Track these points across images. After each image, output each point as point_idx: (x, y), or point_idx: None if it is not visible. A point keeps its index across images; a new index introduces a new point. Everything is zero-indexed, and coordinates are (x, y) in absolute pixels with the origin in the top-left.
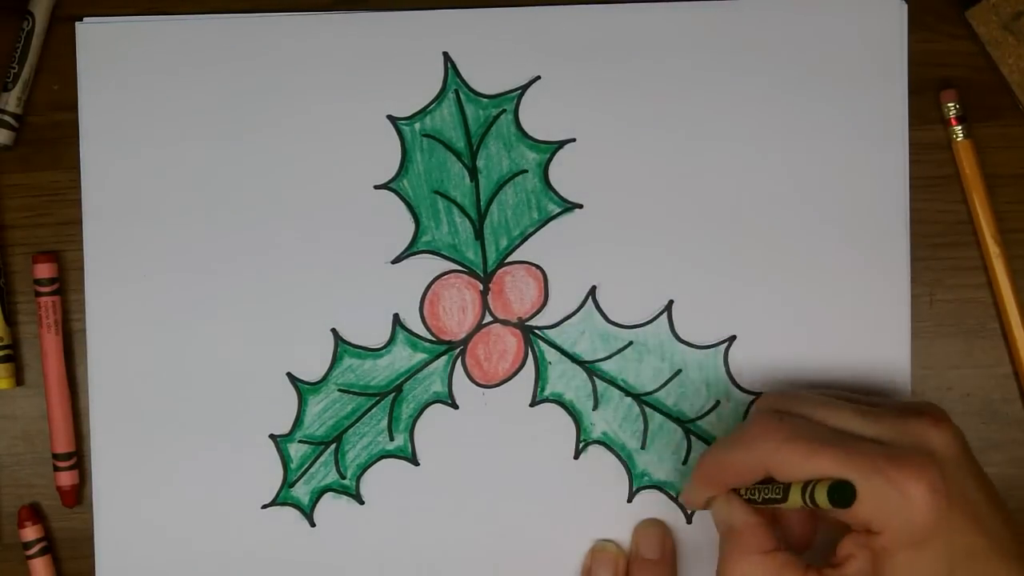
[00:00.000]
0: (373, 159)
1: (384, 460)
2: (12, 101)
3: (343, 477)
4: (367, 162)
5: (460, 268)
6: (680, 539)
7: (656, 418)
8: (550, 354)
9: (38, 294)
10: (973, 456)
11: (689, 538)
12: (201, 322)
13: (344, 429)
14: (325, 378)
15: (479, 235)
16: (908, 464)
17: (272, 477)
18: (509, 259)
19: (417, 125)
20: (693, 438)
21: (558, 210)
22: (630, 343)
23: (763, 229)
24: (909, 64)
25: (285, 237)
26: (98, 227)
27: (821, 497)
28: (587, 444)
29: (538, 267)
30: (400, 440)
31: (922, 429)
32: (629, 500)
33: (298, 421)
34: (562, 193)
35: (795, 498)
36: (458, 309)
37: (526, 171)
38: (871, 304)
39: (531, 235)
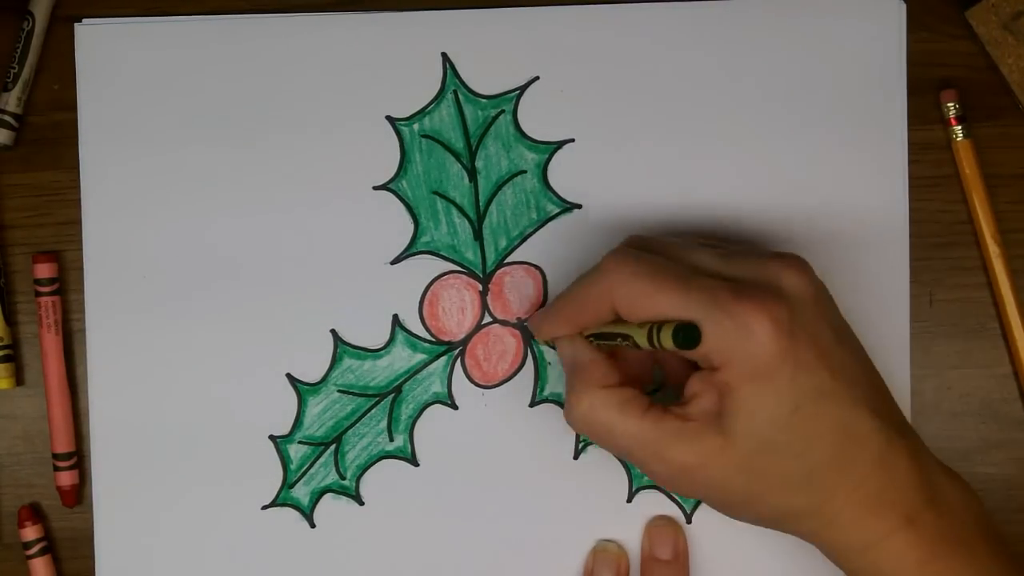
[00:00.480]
0: (372, 160)
1: (384, 461)
2: (12, 101)
3: (343, 478)
4: (366, 163)
5: (459, 269)
6: None
7: None
8: (549, 354)
9: (38, 294)
10: (832, 303)
11: (689, 538)
12: (201, 322)
13: (344, 430)
14: (325, 379)
15: (478, 235)
16: (751, 298)
17: (272, 478)
18: (508, 259)
19: (416, 126)
20: None
21: (557, 210)
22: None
23: (762, 229)
24: (909, 64)
25: (284, 238)
26: (98, 227)
27: (667, 339)
28: (587, 444)
29: (537, 267)
30: (400, 441)
31: (776, 270)
32: (629, 500)
33: (298, 422)
34: (561, 193)
35: (641, 340)
36: (457, 310)
37: (525, 171)
38: (871, 304)
39: (530, 235)
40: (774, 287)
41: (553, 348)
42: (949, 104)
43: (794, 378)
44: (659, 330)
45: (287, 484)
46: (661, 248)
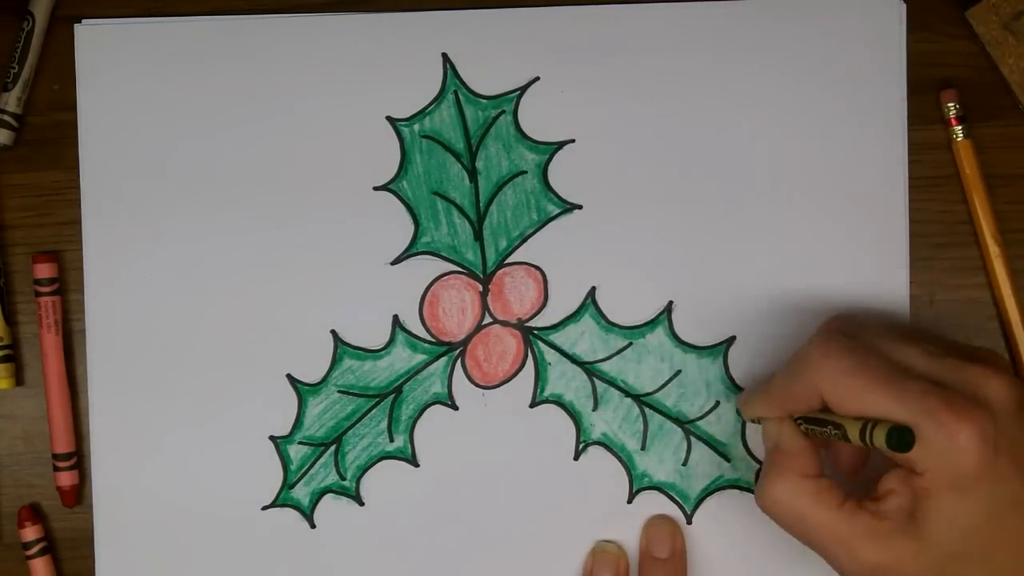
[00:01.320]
0: (372, 160)
1: (384, 461)
2: (12, 101)
3: (343, 478)
4: (366, 163)
5: (459, 269)
6: None
7: (656, 419)
8: (550, 355)
9: (38, 294)
10: None
11: (689, 538)
12: (201, 323)
13: (344, 430)
14: (325, 379)
15: (478, 236)
16: (961, 409)
17: (272, 478)
18: (508, 260)
19: (416, 126)
20: (693, 439)
21: (557, 211)
22: (630, 344)
23: (762, 229)
24: (909, 64)
25: (284, 238)
26: (98, 227)
27: (879, 439)
28: (587, 445)
29: (537, 268)
30: (400, 441)
31: (982, 376)
32: (629, 501)
33: (298, 422)
34: (561, 194)
35: (853, 435)
36: (458, 310)
37: (525, 172)
38: (871, 304)
39: (530, 236)
40: (981, 396)
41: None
42: (949, 104)
43: (993, 491)
44: (872, 428)
45: (287, 484)
46: (866, 336)
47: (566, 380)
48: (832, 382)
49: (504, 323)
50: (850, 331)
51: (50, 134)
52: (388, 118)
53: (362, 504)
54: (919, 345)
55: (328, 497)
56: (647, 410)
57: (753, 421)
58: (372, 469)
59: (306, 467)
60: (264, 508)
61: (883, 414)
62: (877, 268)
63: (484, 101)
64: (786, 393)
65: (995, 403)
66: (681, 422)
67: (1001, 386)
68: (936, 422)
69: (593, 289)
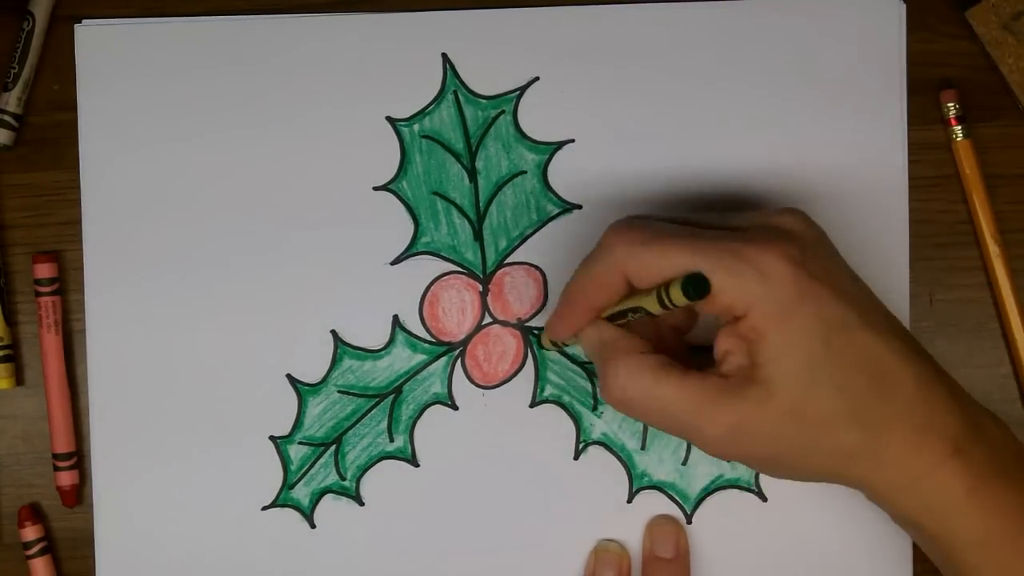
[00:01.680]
0: (372, 160)
1: (384, 461)
2: (12, 101)
3: (343, 478)
4: (366, 163)
5: (459, 269)
6: None
7: None
8: (549, 355)
9: (38, 294)
10: (832, 244)
11: (689, 538)
12: (201, 323)
13: (344, 430)
14: (325, 379)
15: (478, 236)
16: (762, 241)
17: (272, 479)
18: (508, 260)
19: (416, 126)
20: None
21: (557, 211)
22: None
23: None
24: (909, 64)
25: (284, 238)
26: (98, 227)
27: (676, 294)
28: (587, 445)
29: (537, 268)
30: (400, 441)
31: (776, 216)
32: (629, 501)
33: (298, 423)
34: (561, 194)
35: (652, 305)
36: (457, 310)
37: (525, 172)
38: None
39: (530, 236)
40: (778, 229)
41: (566, 350)
42: (949, 104)
43: (819, 313)
44: (667, 289)
45: (287, 485)
46: (659, 218)
47: (566, 380)
48: (632, 256)
49: (504, 323)
50: (643, 218)
51: (50, 134)
52: (388, 118)
53: (362, 504)
54: (711, 213)
55: (328, 497)
56: None
57: (563, 347)
58: (372, 469)
59: (306, 467)
60: (264, 508)
61: (686, 269)
62: (877, 268)
63: (484, 101)
64: (591, 289)
65: (796, 232)
66: None
67: (798, 220)
68: (739, 258)
69: None
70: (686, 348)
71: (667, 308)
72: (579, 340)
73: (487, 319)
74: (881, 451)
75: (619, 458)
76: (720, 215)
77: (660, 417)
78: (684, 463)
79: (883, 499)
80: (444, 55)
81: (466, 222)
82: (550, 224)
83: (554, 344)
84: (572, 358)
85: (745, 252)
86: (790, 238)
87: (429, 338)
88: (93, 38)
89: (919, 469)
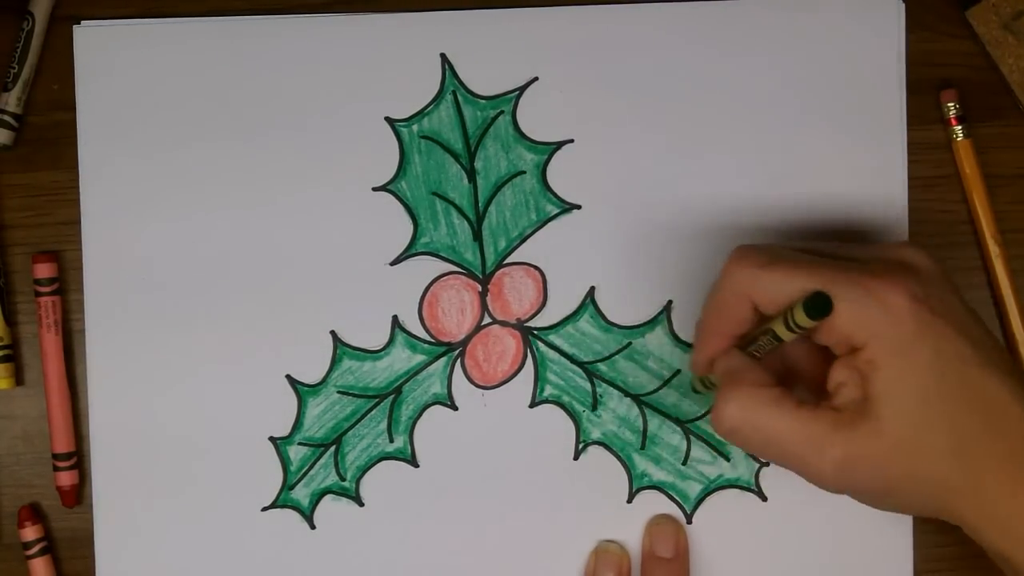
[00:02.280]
0: (371, 161)
1: (384, 462)
2: (12, 101)
3: (343, 479)
4: (365, 164)
5: (459, 269)
6: None
7: (655, 418)
8: (549, 355)
9: (38, 294)
10: (952, 279)
11: (689, 538)
12: (200, 323)
13: (344, 431)
14: (324, 380)
15: (477, 236)
16: (886, 274)
17: (272, 479)
18: (508, 260)
19: (415, 127)
20: (693, 438)
21: (556, 211)
22: (629, 343)
23: (762, 229)
24: (909, 64)
25: (284, 239)
26: (98, 227)
27: (800, 315)
28: (586, 445)
29: (537, 268)
30: (400, 442)
31: (899, 250)
32: (629, 501)
33: (298, 423)
34: (560, 194)
35: (781, 329)
36: (457, 310)
37: (524, 172)
38: None
39: (529, 236)
40: (901, 263)
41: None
42: (949, 104)
43: (937, 349)
44: (792, 310)
45: (287, 485)
46: (777, 245)
47: (565, 380)
48: (754, 280)
49: (503, 323)
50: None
51: (50, 134)
52: (387, 119)
53: (362, 505)
54: (830, 243)
55: (328, 498)
56: (647, 410)
57: (708, 384)
58: (372, 470)
59: (306, 468)
60: (264, 509)
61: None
62: None
63: (483, 101)
64: (720, 317)
65: (918, 267)
66: (681, 421)
67: (920, 255)
68: (862, 288)
69: (592, 289)
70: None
71: (793, 331)
72: (715, 372)
73: (487, 319)
74: (982, 488)
75: (619, 458)
76: (838, 245)
77: (770, 449)
78: (684, 463)
79: (980, 535)
80: (443, 55)
81: (465, 222)
82: (549, 224)
83: (703, 384)
84: (572, 358)
85: (869, 283)
86: (913, 273)
87: (429, 338)
88: (92, 38)
89: (1018, 508)
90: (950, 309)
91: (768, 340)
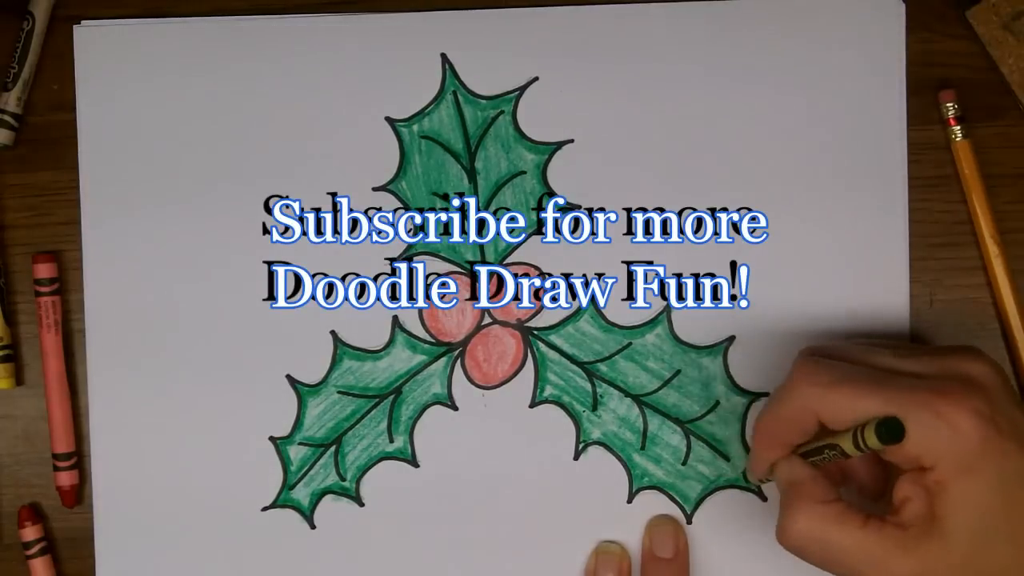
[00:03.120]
0: (372, 161)
1: (384, 462)
2: (12, 101)
3: (343, 479)
4: (366, 164)
5: (459, 269)
6: None
7: (656, 419)
8: (549, 355)
9: (38, 294)
10: (1013, 386)
11: (689, 538)
12: (200, 323)
13: (344, 431)
14: (324, 380)
15: (478, 236)
16: (952, 394)
17: (272, 479)
18: (508, 260)
19: (415, 127)
20: (693, 438)
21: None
22: (629, 344)
23: (762, 229)
24: (908, 64)
25: (284, 239)
26: (98, 227)
27: (871, 437)
28: (587, 445)
29: (537, 268)
30: (400, 442)
31: (961, 362)
32: (629, 501)
33: (298, 423)
34: (560, 194)
35: (847, 445)
36: (457, 310)
37: (524, 172)
38: (871, 304)
39: (530, 236)
40: (966, 379)
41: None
42: (948, 104)
43: (1001, 466)
44: (863, 431)
45: (287, 485)
46: (839, 353)
47: (566, 380)
48: (821, 398)
49: (504, 323)
50: (825, 352)
51: (50, 134)
52: (387, 119)
53: (362, 505)
54: (891, 351)
55: (328, 498)
56: (647, 410)
57: (764, 480)
58: (372, 470)
59: (306, 468)
60: (264, 509)
61: (877, 415)
62: (877, 268)
63: (483, 101)
64: (784, 427)
65: (983, 383)
66: (681, 422)
67: (984, 367)
68: (931, 411)
69: (593, 289)
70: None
71: (861, 450)
72: (775, 475)
73: (487, 319)
74: None
75: (619, 458)
76: (897, 350)
77: (836, 566)
78: (684, 463)
79: None
80: (443, 55)
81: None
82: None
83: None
84: (572, 358)
85: (936, 405)
86: (979, 390)
87: (429, 339)
88: (92, 38)
89: None
90: (1014, 423)
91: (834, 454)
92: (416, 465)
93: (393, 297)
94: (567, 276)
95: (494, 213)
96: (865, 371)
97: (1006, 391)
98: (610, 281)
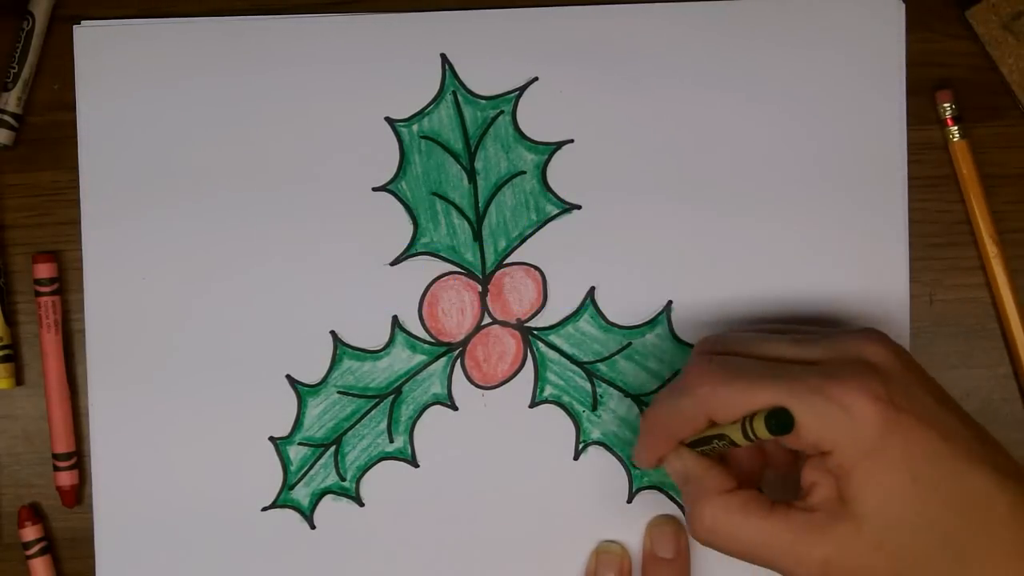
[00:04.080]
0: (371, 161)
1: (384, 462)
2: (12, 101)
3: (343, 479)
4: (365, 164)
5: (459, 270)
6: None
7: None
8: (549, 355)
9: (38, 294)
10: (918, 366)
11: (689, 538)
12: (200, 323)
13: (344, 431)
14: (324, 380)
15: (477, 236)
16: (844, 378)
17: (272, 479)
18: (508, 260)
19: (415, 127)
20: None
21: (556, 211)
22: (629, 344)
23: (762, 229)
24: (908, 64)
25: (284, 239)
26: (98, 227)
27: (760, 429)
28: (587, 445)
29: (537, 268)
30: (400, 442)
31: (857, 346)
32: (629, 501)
33: (298, 423)
34: (560, 194)
35: (737, 437)
36: (457, 311)
37: (524, 172)
38: (871, 304)
39: (530, 236)
40: (860, 362)
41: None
42: (945, 104)
43: (905, 447)
44: (751, 422)
45: (287, 485)
46: (735, 346)
47: (565, 380)
48: (714, 397)
49: (503, 323)
50: (719, 347)
51: (50, 134)
52: (387, 119)
53: (362, 505)
54: (788, 339)
55: (328, 498)
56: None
57: (650, 467)
58: (372, 470)
59: (306, 468)
60: (264, 509)
61: (769, 406)
62: (877, 268)
63: (483, 101)
64: (673, 425)
65: (879, 365)
66: None
67: (880, 349)
68: (823, 396)
69: (592, 289)
70: (761, 471)
71: (751, 440)
72: (664, 466)
73: (487, 319)
74: None
75: (619, 458)
76: (793, 337)
77: (749, 554)
78: None
79: None
80: (443, 55)
81: (465, 222)
82: (549, 224)
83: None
84: (572, 358)
85: (828, 390)
86: (874, 372)
87: (429, 339)
88: (92, 39)
89: None
90: (917, 403)
91: (723, 445)
92: (416, 465)
93: (393, 297)
94: (567, 276)
95: (494, 213)
96: (757, 364)
97: (907, 371)
98: (610, 281)
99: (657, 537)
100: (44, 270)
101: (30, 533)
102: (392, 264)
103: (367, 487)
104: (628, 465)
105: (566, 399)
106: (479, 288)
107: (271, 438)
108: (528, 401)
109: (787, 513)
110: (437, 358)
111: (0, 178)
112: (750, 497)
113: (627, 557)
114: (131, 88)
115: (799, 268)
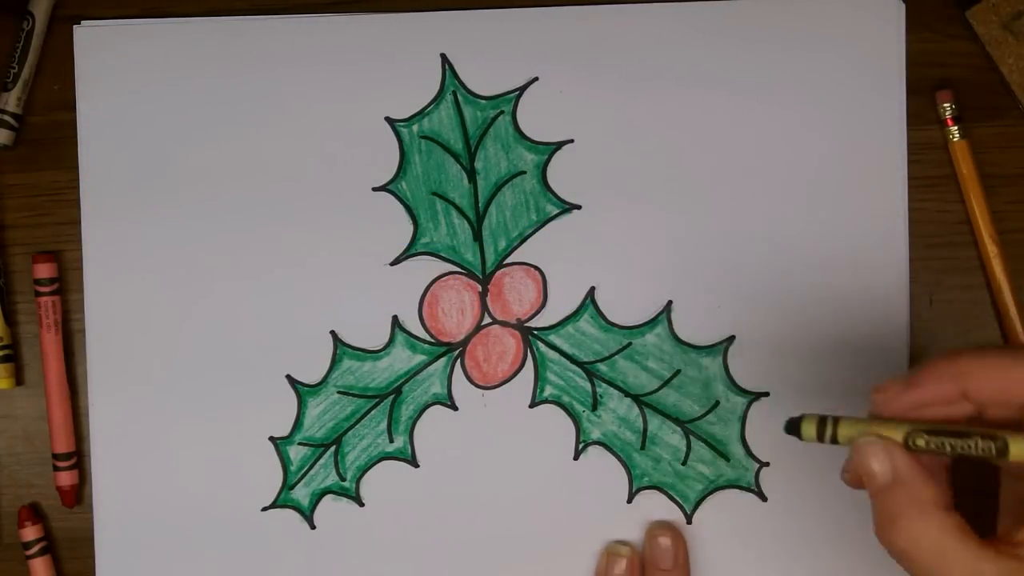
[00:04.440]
0: (371, 161)
1: (384, 462)
2: (12, 101)
3: (343, 479)
4: (365, 164)
5: (459, 270)
6: None
7: (655, 419)
8: (549, 355)
9: (38, 294)
10: None
11: (689, 538)
12: (200, 323)
13: (344, 431)
14: (324, 380)
15: (478, 236)
16: None
17: (272, 479)
18: (508, 260)
19: (415, 127)
20: (692, 438)
21: (556, 211)
22: (629, 344)
23: (762, 229)
24: (908, 64)
25: (284, 239)
26: (98, 227)
27: None
28: (587, 445)
29: (537, 268)
30: (400, 442)
31: None
32: (629, 501)
33: (298, 423)
34: (560, 194)
35: (1019, 447)
36: (457, 311)
37: (524, 172)
38: (871, 304)
39: (530, 236)
40: None
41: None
42: (945, 104)
43: None
44: None
45: (287, 485)
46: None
47: (565, 380)
48: (975, 360)
49: (503, 323)
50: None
51: (50, 134)
52: (387, 119)
53: (362, 505)
54: None
55: (328, 498)
56: (647, 410)
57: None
58: (372, 470)
59: (306, 468)
60: (264, 509)
61: None
62: (877, 268)
63: (483, 101)
64: (918, 379)
65: None
66: (681, 421)
67: None
68: None
69: (592, 289)
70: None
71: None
72: (858, 455)
73: (487, 319)
74: None
75: (619, 458)
76: None
77: None
78: (684, 463)
79: None
80: (443, 55)
81: (465, 222)
82: (549, 224)
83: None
84: (572, 358)
85: None
86: None
87: (429, 339)
88: (92, 39)
89: None
90: None
91: (963, 447)
92: (416, 465)
93: (393, 297)
94: (567, 276)
95: (494, 213)
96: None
97: None
98: (610, 281)
99: (656, 548)
100: (44, 270)
101: (30, 533)
102: (392, 264)
103: (367, 487)
104: (628, 465)
105: (566, 399)
106: (479, 288)
107: (271, 438)
108: (528, 401)
109: (996, 554)
110: (437, 358)
111: (0, 178)
112: (961, 524)
113: (636, 556)
114: (131, 88)
115: (799, 267)
